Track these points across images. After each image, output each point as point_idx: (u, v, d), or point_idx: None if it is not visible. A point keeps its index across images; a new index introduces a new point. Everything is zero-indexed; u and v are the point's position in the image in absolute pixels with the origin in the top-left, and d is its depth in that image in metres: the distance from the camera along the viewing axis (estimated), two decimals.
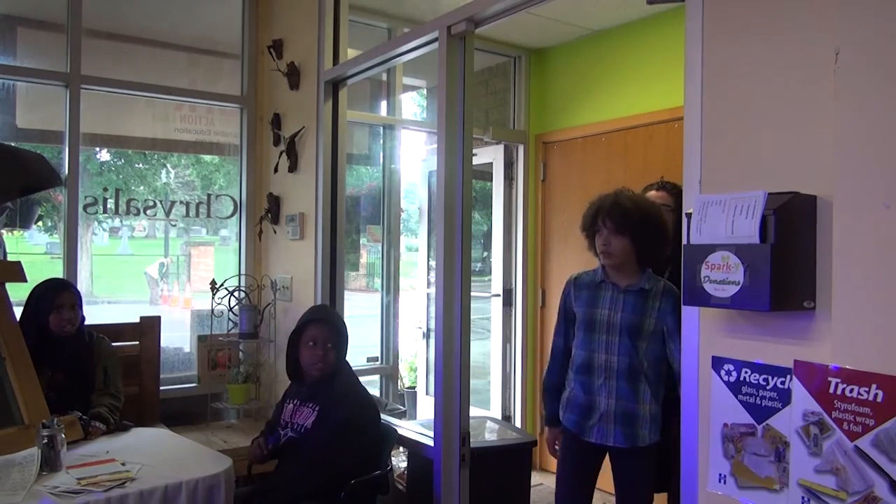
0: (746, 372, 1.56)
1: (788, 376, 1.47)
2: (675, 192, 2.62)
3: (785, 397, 1.48)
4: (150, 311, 3.73)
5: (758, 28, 1.60)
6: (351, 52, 3.52)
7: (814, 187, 1.46)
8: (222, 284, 3.70)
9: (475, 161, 3.06)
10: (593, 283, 2.49)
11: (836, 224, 1.41)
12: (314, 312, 2.72)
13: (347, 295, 3.73)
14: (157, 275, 4.75)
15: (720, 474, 1.60)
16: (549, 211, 4.31)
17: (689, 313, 1.73)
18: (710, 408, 1.63)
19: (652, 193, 2.68)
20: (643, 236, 2.37)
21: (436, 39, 2.71)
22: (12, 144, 3.33)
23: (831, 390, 1.39)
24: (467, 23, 2.56)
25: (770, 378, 1.51)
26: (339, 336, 2.56)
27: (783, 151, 1.53)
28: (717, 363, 1.62)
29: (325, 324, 2.55)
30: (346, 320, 2.81)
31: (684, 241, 1.61)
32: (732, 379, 1.58)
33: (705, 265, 1.52)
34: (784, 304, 1.43)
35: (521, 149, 4.37)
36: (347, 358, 2.65)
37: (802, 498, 1.43)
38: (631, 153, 3.73)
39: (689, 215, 1.60)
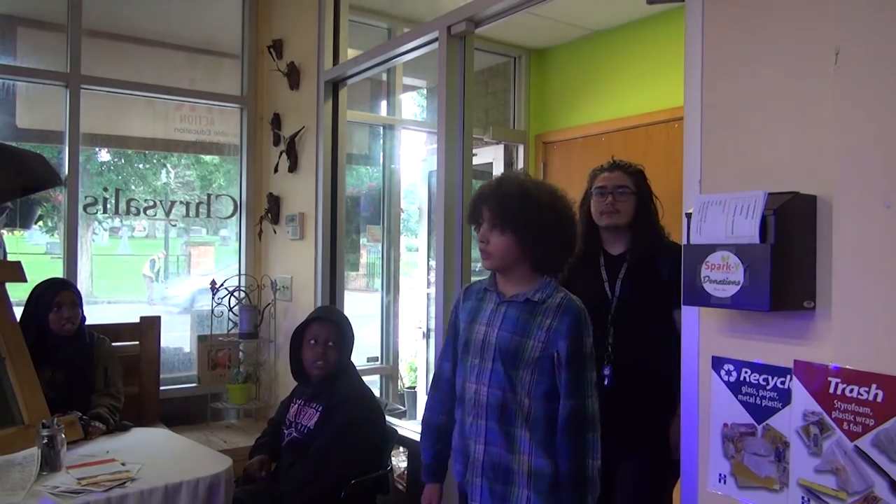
0: (746, 372, 1.56)
1: (788, 376, 1.47)
2: (633, 171, 2.31)
3: (785, 397, 1.48)
4: (149, 312, 3.74)
5: (757, 28, 1.60)
6: (351, 52, 3.52)
7: (814, 187, 1.46)
8: (222, 284, 3.70)
9: (475, 161, 3.06)
10: (480, 292, 1.95)
11: (837, 224, 1.41)
12: (317, 311, 2.72)
13: (347, 295, 3.73)
14: (151, 272, 4.74)
15: (720, 474, 1.60)
16: None
17: (689, 313, 1.73)
18: (709, 408, 1.63)
19: (604, 176, 2.30)
20: (534, 235, 1.80)
21: (436, 39, 2.72)
22: (12, 144, 3.33)
23: (831, 390, 1.39)
24: (467, 23, 2.56)
25: (770, 378, 1.51)
26: (341, 335, 2.55)
27: (783, 151, 1.53)
28: (717, 363, 1.62)
29: (327, 322, 2.55)
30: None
31: (683, 242, 1.61)
32: (732, 379, 1.58)
33: (705, 265, 1.52)
34: (784, 304, 1.43)
35: (521, 149, 4.37)
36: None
37: (802, 498, 1.43)
38: (631, 153, 3.71)
39: (689, 215, 1.60)
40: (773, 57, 1.56)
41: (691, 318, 1.72)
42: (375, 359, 4.24)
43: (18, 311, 2.68)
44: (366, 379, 2.71)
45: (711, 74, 1.69)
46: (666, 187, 3.47)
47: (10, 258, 3.01)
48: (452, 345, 1.98)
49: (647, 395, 2.16)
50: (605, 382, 2.17)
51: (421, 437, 2.03)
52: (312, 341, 2.52)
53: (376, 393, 4.10)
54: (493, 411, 1.80)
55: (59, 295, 2.72)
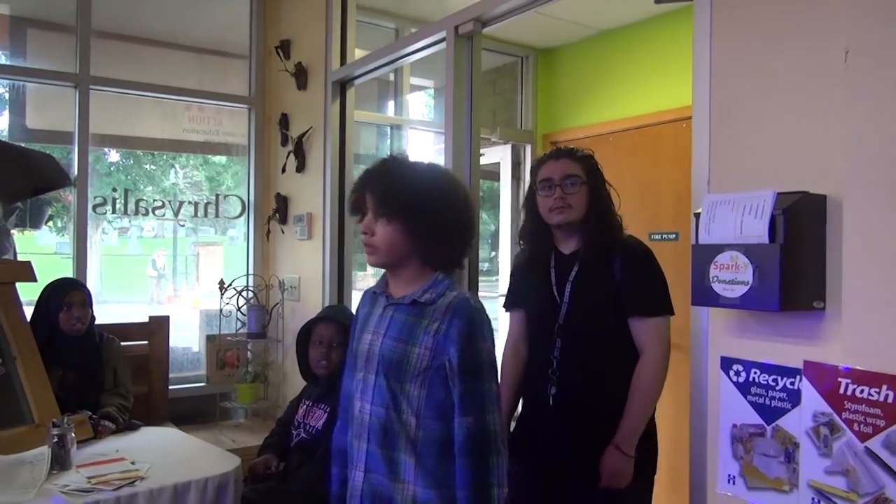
0: (755, 372, 1.55)
1: (798, 377, 1.46)
2: (581, 157, 2.02)
3: (794, 398, 1.47)
4: (158, 312, 3.75)
5: (766, 27, 1.59)
6: (358, 53, 3.53)
7: (823, 187, 1.45)
8: (230, 284, 3.71)
9: (482, 161, 3.06)
10: (373, 296, 1.72)
11: (846, 224, 1.40)
12: (324, 311, 2.72)
13: (355, 295, 3.74)
14: (155, 272, 4.75)
15: (729, 475, 1.60)
16: None
17: (697, 314, 1.72)
18: (718, 408, 1.63)
19: (549, 166, 2.01)
20: (425, 224, 1.55)
21: (443, 39, 2.72)
22: (22, 145, 3.35)
23: (841, 391, 1.38)
24: (475, 23, 2.56)
25: (779, 378, 1.50)
26: (345, 335, 2.55)
27: (792, 151, 1.52)
28: (726, 363, 1.61)
29: (332, 322, 2.55)
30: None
31: (692, 241, 1.61)
32: (741, 379, 1.58)
33: (714, 265, 1.52)
34: (793, 305, 1.42)
35: (528, 148, 4.37)
36: None
37: (812, 499, 1.42)
38: (639, 153, 3.71)
39: (697, 215, 1.59)
40: (782, 56, 1.55)
41: (700, 319, 1.72)
42: None
43: (29, 311, 2.69)
44: None
45: (720, 73, 1.69)
46: (675, 187, 3.47)
47: (20, 258, 3.03)
48: (353, 357, 1.72)
49: (598, 417, 1.90)
50: (550, 402, 1.95)
51: (327, 464, 1.78)
52: (318, 342, 2.53)
53: None
54: (375, 433, 1.55)
55: (69, 295, 2.74)
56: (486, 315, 1.59)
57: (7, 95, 3.69)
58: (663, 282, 1.96)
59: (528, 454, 1.99)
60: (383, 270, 1.69)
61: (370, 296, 1.73)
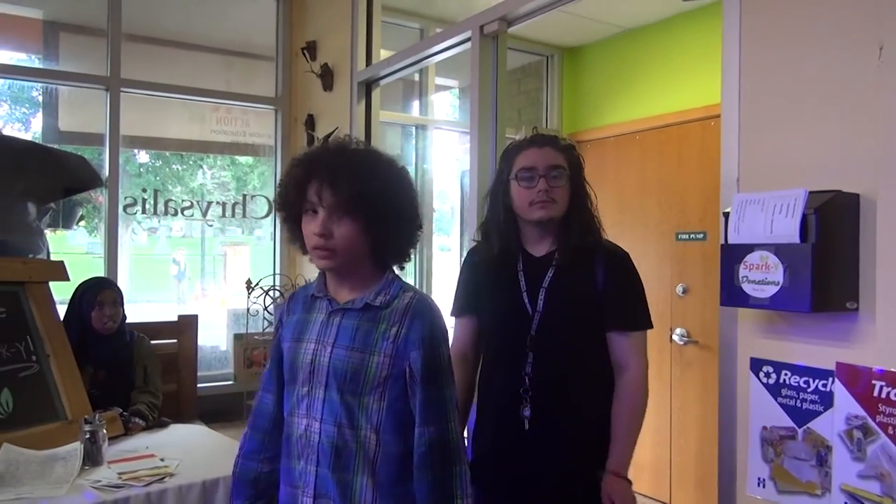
0: (786, 374, 1.53)
1: (830, 379, 1.44)
2: (565, 147, 1.79)
3: (827, 400, 1.44)
4: (187, 311, 3.80)
5: (797, 22, 1.56)
6: (384, 53, 3.54)
7: (857, 185, 1.42)
8: (257, 283, 3.75)
9: None
10: (307, 301, 1.53)
11: (880, 222, 1.38)
12: None
13: None
14: (176, 272, 4.80)
15: (759, 478, 1.57)
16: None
17: (726, 314, 1.70)
18: (748, 410, 1.61)
19: (531, 154, 1.75)
20: (384, 219, 1.41)
21: (468, 39, 2.71)
22: (55, 147, 3.42)
23: (875, 393, 1.35)
24: (500, 22, 2.55)
25: (811, 380, 1.48)
26: None
27: (824, 148, 1.50)
28: (756, 365, 1.59)
29: None
30: None
31: (721, 241, 1.59)
32: (772, 381, 1.55)
33: (743, 265, 1.50)
34: (826, 305, 1.40)
35: None
36: None
37: (845, 503, 1.40)
38: (665, 152, 3.68)
39: (726, 214, 1.57)
40: (814, 51, 1.53)
41: (729, 319, 1.69)
42: None
43: (61, 310, 2.74)
44: None
45: (749, 70, 1.66)
46: (702, 186, 3.43)
47: (53, 258, 3.09)
48: (276, 371, 1.55)
49: (581, 441, 1.70)
50: (525, 426, 1.71)
51: (231, 494, 1.58)
52: None
53: None
54: (326, 454, 1.40)
55: (101, 294, 2.78)
56: (442, 317, 1.48)
57: (40, 98, 3.76)
58: (643, 293, 1.78)
59: (505, 486, 1.75)
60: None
61: (302, 300, 1.54)
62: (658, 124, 3.71)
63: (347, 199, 1.36)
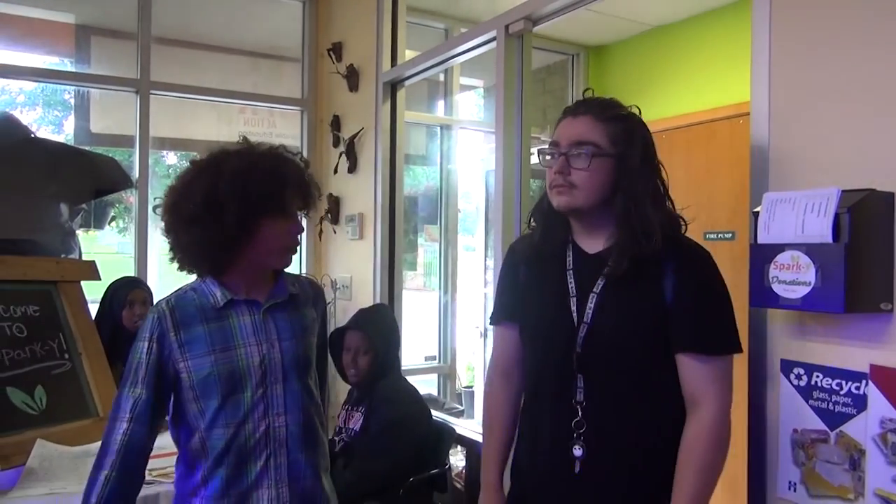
0: (818, 376, 1.50)
1: (864, 381, 1.41)
2: (612, 117, 1.43)
3: (860, 403, 1.42)
4: None
5: (829, 17, 1.54)
6: (409, 54, 3.55)
7: (891, 184, 1.39)
8: None
9: (533, 160, 3.04)
10: (209, 310, 1.49)
11: None
12: (352, 318, 2.70)
13: (405, 294, 3.76)
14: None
15: (790, 482, 1.55)
16: None
17: (756, 315, 1.68)
18: (779, 413, 1.58)
19: (563, 126, 1.45)
20: (310, 212, 1.68)
21: (493, 39, 2.71)
22: (87, 149, 3.48)
23: None
24: (525, 21, 2.54)
25: (844, 383, 1.45)
26: (372, 343, 2.52)
27: (858, 146, 1.47)
28: (787, 366, 1.57)
29: (357, 332, 2.54)
30: (402, 319, 2.81)
31: (750, 241, 1.57)
32: (803, 383, 1.53)
33: (773, 265, 1.48)
34: (859, 306, 1.37)
35: None
36: (404, 356, 2.66)
37: None
38: (693, 151, 3.64)
39: (756, 214, 1.55)
40: (847, 46, 1.50)
41: (759, 320, 1.67)
42: (433, 358, 4.26)
43: (93, 309, 2.79)
44: (423, 378, 2.72)
45: (780, 66, 1.64)
46: (731, 185, 3.39)
47: (84, 258, 3.14)
48: (152, 399, 1.43)
49: (643, 493, 1.40)
50: (576, 469, 1.40)
51: None
52: (347, 350, 2.56)
53: (433, 392, 4.12)
54: (297, 441, 1.50)
55: (131, 293, 2.82)
56: None
57: (72, 101, 3.84)
58: (727, 307, 1.41)
59: None
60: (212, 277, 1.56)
61: (195, 311, 1.48)
62: (685, 123, 3.67)
63: (313, 202, 1.61)
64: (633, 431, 1.39)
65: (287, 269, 1.64)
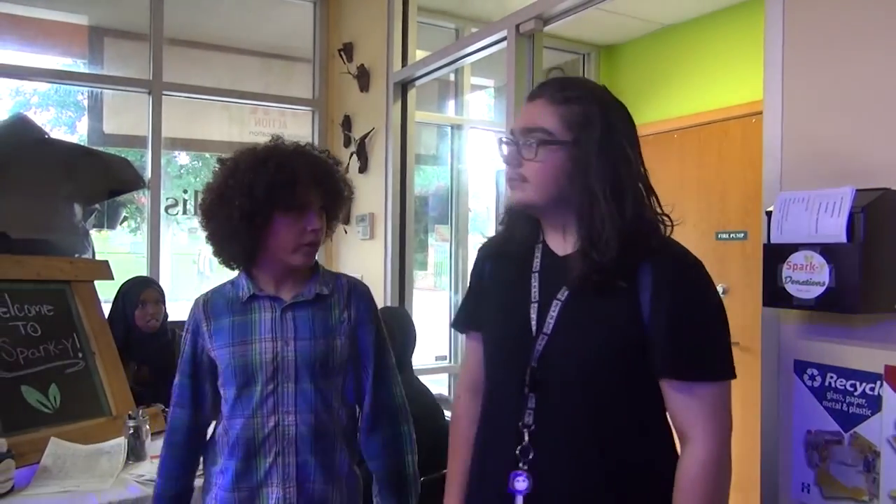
0: (832, 377, 1.49)
1: (878, 382, 1.40)
2: (570, 98, 1.20)
3: (874, 404, 1.40)
4: None
5: (843, 15, 1.52)
6: (419, 54, 3.55)
7: None
8: None
9: None
10: (236, 303, 1.55)
11: None
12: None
13: (416, 294, 3.76)
14: (203, 268, 4.83)
15: (803, 483, 1.54)
16: None
17: (768, 315, 1.67)
18: (791, 414, 1.57)
19: (522, 110, 1.27)
20: (337, 215, 1.63)
21: (504, 38, 2.71)
22: (100, 149, 3.50)
23: None
24: (536, 21, 2.54)
25: (858, 384, 1.44)
26: (393, 337, 2.52)
27: (872, 144, 1.46)
28: (800, 367, 1.56)
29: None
30: (413, 319, 2.82)
31: (763, 241, 1.56)
32: (816, 384, 1.52)
33: (787, 265, 1.47)
34: (874, 307, 1.36)
35: None
36: (415, 356, 2.66)
37: None
38: (705, 150, 3.62)
39: (769, 213, 1.54)
40: (861, 43, 1.49)
41: (771, 320, 1.66)
42: (444, 357, 4.26)
43: (106, 308, 2.81)
44: (434, 377, 2.71)
45: (793, 65, 1.63)
46: (743, 184, 3.37)
47: (97, 258, 3.16)
48: (191, 385, 1.58)
49: None
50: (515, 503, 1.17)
51: None
52: None
53: (444, 392, 4.12)
54: (307, 442, 1.49)
55: (143, 293, 2.84)
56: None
57: (86, 102, 3.87)
58: (718, 323, 1.16)
59: None
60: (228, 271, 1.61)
61: (227, 304, 1.55)
62: (697, 122, 3.65)
63: (334, 198, 1.55)
64: (594, 469, 1.15)
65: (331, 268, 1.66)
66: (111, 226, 3.74)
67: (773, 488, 1.64)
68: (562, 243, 1.24)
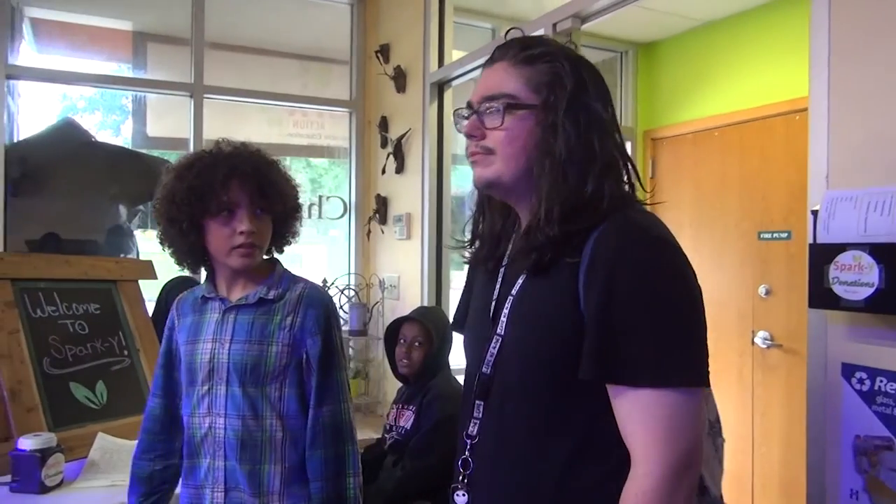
0: (882, 381, 1.44)
1: None
2: (538, 58, 1.06)
3: None
4: None
5: (892, 7, 1.48)
6: (456, 54, 3.55)
7: None
8: (333, 283, 3.83)
9: None
10: (197, 303, 1.59)
11: None
12: (412, 311, 2.75)
13: (453, 293, 3.76)
14: None
15: (851, 490, 1.50)
16: (657, 209, 4.17)
17: (815, 317, 1.63)
18: (839, 418, 1.53)
19: (480, 77, 1.12)
20: (289, 213, 1.61)
21: None
22: (143, 151, 3.59)
23: None
24: (573, 19, 2.52)
25: None
26: (429, 335, 2.55)
27: None
28: (848, 371, 1.51)
29: (416, 322, 2.58)
30: (450, 318, 2.82)
31: (809, 241, 1.52)
32: (865, 388, 1.48)
33: (834, 265, 1.43)
34: None
35: (628, 145, 4.27)
36: (451, 355, 2.67)
37: None
38: (747, 148, 3.55)
39: (815, 212, 1.51)
40: None
41: (818, 322, 1.62)
42: None
43: (149, 307, 2.87)
44: None
45: (840, 58, 1.58)
46: (787, 183, 3.30)
47: (141, 257, 3.24)
48: (164, 375, 1.63)
49: None
50: None
51: (128, 492, 1.64)
52: (402, 340, 2.58)
53: None
54: (233, 447, 1.47)
55: (185, 292, 2.90)
56: (334, 304, 1.62)
57: (130, 106, 3.96)
58: (686, 313, 0.93)
59: None
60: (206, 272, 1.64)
61: (191, 302, 1.61)
62: (739, 119, 3.59)
63: (268, 196, 1.49)
64: (528, 489, 1.00)
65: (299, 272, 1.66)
66: (155, 226, 3.82)
67: (819, 494, 1.59)
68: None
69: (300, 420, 1.52)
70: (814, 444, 1.62)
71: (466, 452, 1.08)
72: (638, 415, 0.91)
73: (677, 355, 0.90)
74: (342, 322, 3.88)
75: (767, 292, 3.38)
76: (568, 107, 1.01)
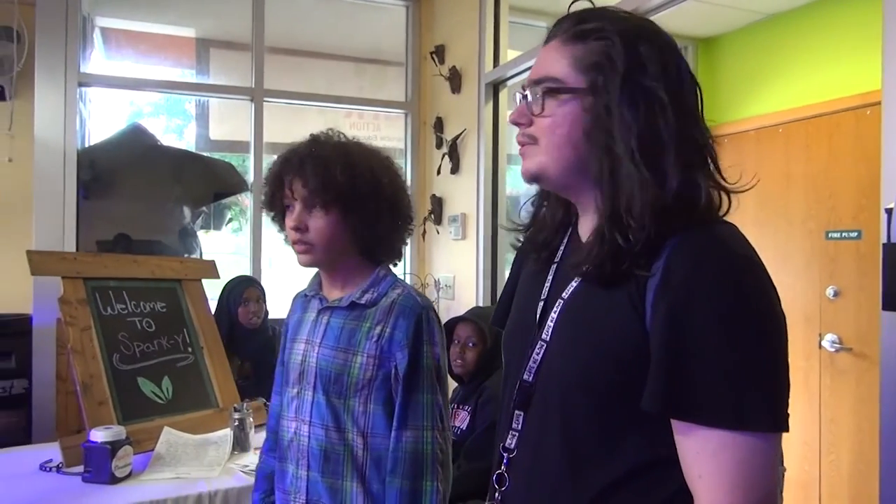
0: None
1: None
2: (591, 34, 0.91)
3: None
4: None
5: None
6: (511, 54, 3.54)
7: None
8: None
9: None
10: (304, 299, 1.54)
11: None
12: (467, 312, 2.75)
13: None
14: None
15: None
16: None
17: (888, 320, 1.56)
18: None
19: (539, 61, 0.98)
20: (366, 210, 1.39)
21: None
22: (206, 154, 3.69)
23: None
24: None
25: None
26: (483, 335, 2.54)
27: None
28: None
29: (469, 322, 2.57)
30: None
31: (882, 240, 1.46)
32: None
33: None
34: None
35: None
36: None
37: None
38: (813, 144, 3.42)
39: (889, 211, 1.44)
40: None
41: (891, 325, 1.55)
42: None
43: (212, 306, 2.95)
44: None
45: None
46: (856, 180, 3.17)
47: (204, 257, 3.33)
48: (283, 372, 1.56)
49: None
50: None
51: (253, 489, 1.62)
52: (455, 341, 2.58)
53: None
54: (316, 458, 1.36)
55: (246, 291, 2.97)
56: (436, 314, 1.43)
57: (193, 110, 4.08)
58: (767, 345, 0.80)
59: None
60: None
61: (301, 300, 1.55)
62: (805, 115, 3.46)
63: (320, 191, 1.36)
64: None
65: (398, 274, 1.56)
66: (217, 227, 3.93)
67: (893, 503, 1.53)
68: (590, 225, 0.94)
69: (387, 442, 1.36)
70: (888, 453, 1.55)
71: (503, 467, 0.96)
72: (708, 457, 0.79)
73: (759, 396, 0.77)
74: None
75: (836, 294, 3.25)
76: (622, 90, 0.86)
